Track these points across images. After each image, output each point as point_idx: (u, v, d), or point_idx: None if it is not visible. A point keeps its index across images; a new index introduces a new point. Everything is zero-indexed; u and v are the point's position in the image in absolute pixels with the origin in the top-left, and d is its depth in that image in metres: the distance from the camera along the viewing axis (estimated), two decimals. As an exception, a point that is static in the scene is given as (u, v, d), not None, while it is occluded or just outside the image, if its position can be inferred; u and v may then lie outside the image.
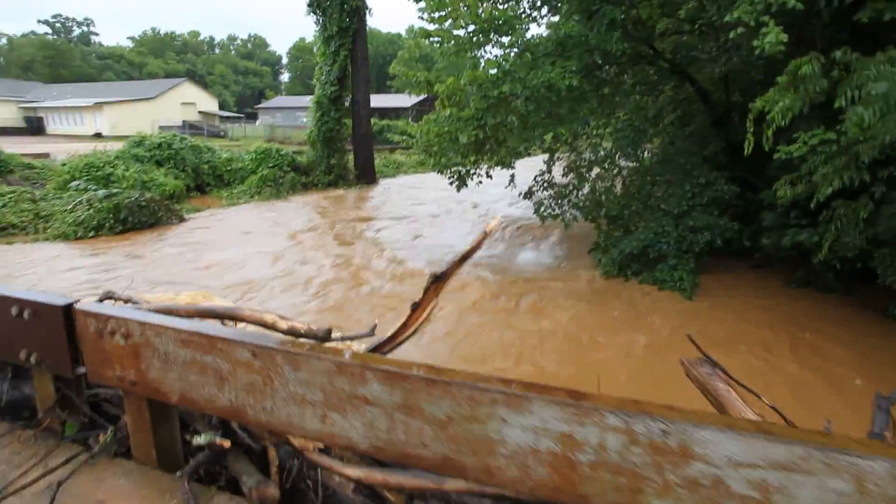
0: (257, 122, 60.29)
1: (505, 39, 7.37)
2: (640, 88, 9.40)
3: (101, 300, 3.64)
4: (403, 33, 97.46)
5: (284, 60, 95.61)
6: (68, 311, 1.98)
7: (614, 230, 9.07)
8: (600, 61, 7.81)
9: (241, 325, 3.09)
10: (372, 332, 3.27)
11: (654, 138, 9.52)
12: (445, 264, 3.20)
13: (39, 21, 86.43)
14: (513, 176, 9.84)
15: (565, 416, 1.08)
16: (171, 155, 15.73)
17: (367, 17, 17.98)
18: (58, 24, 77.48)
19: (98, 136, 39.55)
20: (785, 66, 6.75)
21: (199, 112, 52.65)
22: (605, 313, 6.83)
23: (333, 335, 3.24)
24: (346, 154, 18.96)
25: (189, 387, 1.66)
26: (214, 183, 16.51)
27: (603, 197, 9.02)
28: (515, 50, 6.96)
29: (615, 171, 9.31)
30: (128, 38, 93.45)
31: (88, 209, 10.66)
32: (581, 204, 9.10)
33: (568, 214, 9.09)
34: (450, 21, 8.23)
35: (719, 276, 8.14)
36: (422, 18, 8.34)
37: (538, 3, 8.01)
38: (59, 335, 2.00)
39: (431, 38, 7.38)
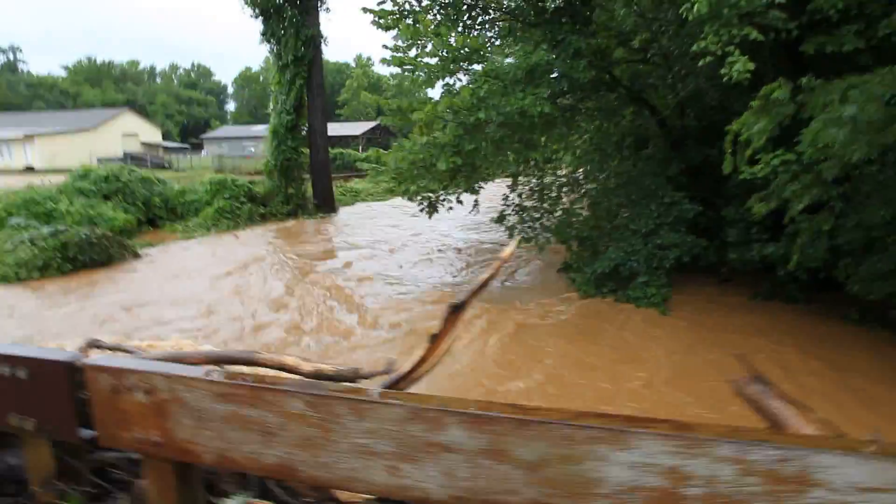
0: (203, 153, 58.58)
1: (476, 67, 7.53)
2: (600, 114, 9.79)
3: (84, 349, 3.33)
4: (351, 62, 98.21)
5: (230, 90, 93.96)
6: (73, 367, 1.78)
7: (584, 251, 9.29)
8: (566, 88, 8.08)
9: (236, 367, 2.89)
10: (389, 370, 3.14)
11: (616, 161, 9.88)
12: (463, 293, 3.14)
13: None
14: (476, 201, 9.98)
15: (672, 449, 1.02)
16: (120, 188, 14.98)
17: (323, 45, 17.96)
18: (-20, 52, 73.34)
19: (29, 169, 37.25)
20: (739, 92, 7.22)
21: (142, 143, 50.66)
22: (595, 335, 6.92)
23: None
24: (303, 183, 18.64)
25: (228, 445, 1.50)
26: (167, 216, 15.80)
27: (573, 219, 9.23)
28: (487, 78, 7.09)
29: (582, 193, 9.57)
30: (61, 66, 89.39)
31: (31, 248, 9.92)
32: (552, 226, 9.27)
33: (541, 237, 9.24)
34: (414, 50, 8.37)
35: (689, 291, 8.42)
36: (386, 47, 8.42)
37: (504, 34, 8.23)
38: (62, 396, 1.78)
39: (404, 66, 7.40)
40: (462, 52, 7.59)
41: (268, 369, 2.81)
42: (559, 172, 10.65)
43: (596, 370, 5.79)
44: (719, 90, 8.78)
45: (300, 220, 17.56)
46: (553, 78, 7.62)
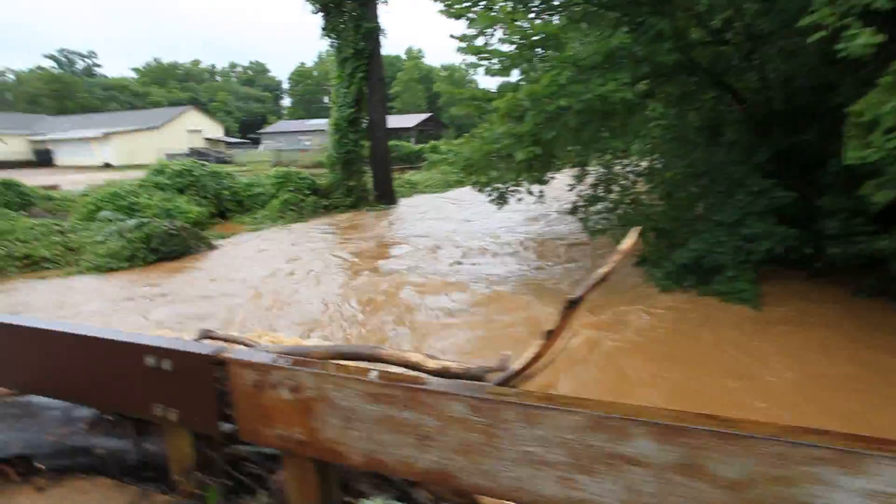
0: (260, 147, 60.56)
1: (553, 53, 7.28)
2: (679, 100, 9.31)
3: (198, 340, 3.40)
4: (402, 55, 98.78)
5: (285, 85, 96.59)
6: (217, 360, 1.75)
7: (661, 243, 8.89)
8: (647, 73, 7.71)
9: (355, 363, 2.85)
10: (504, 367, 3.04)
11: (697, 149, 9.38)
12: (582, 288, 2.99)
13: (45, 55, 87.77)
14: (542, 192, 9.74)
15: None
16: (192, 182, 15.66)
17: (382, 38, 18.05)
18: (62, 58, 78.59)
19: (107, 166, 39.73)
20: (840, 71, 6.66)
21: (205, 139, 53.01)
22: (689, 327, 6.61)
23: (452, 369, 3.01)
24: (364, 175, 18.88)
25: (378, 447, 1.43)
26: (235, 208, 16.40)
27: (648, 210, 8.86)
28: (565, 64, 6.84)
29: (658, 183, 9.16)
30: (131, 68, 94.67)
31: (119, 239, 10.51)
32: (628, 217, 8.93)
33: (616, 230, 8.93)
34: (482, 39, 8.19)
35: (777, 286, 7.91)
36: (454, 37, 8.27)
37: (579, 17, 7.93)
38: (204, 388, 1.76)
39: (480, 55, 7.24)
40: (537, 38, 7.37)
41: (391, 365, 2.77)
42: (626, 161, 10.26)
43: (703, 369, 5.49)
44: (813, 70, 8.17)
45: (362, 211, 17.80)
46: (635, 62, 7.27)
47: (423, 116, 63.27)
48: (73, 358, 1.99)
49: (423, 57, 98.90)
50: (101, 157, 42.54)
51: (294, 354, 2.46)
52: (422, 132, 60.20)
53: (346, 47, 17.54)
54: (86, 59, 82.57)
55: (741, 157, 8.63)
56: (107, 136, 42.92)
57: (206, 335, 3.73)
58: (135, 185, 14.50)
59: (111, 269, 9.99)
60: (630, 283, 8.58)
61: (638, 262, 9.70)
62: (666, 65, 7.27)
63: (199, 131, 52.88)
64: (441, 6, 8.17)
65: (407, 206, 19.08)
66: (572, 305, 2.89)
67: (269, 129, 71.91)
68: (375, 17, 17.77)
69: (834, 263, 7.63)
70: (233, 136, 67.21)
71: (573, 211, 9.40)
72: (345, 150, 17.95)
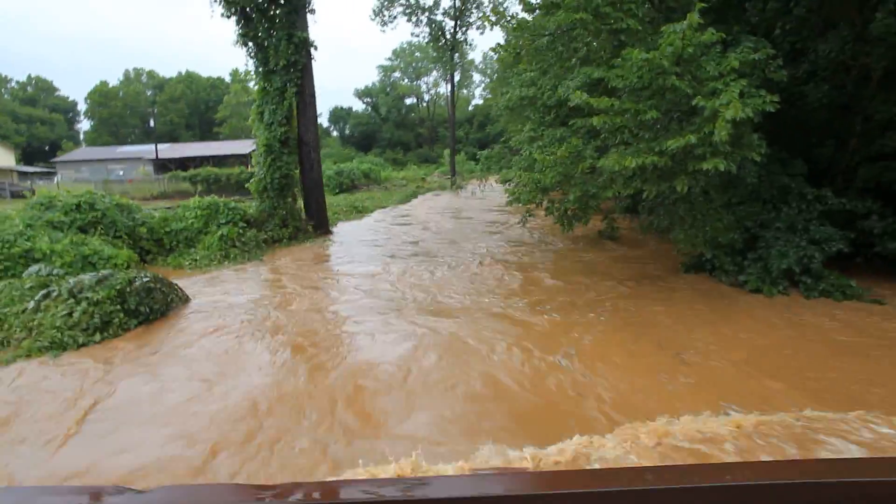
0: (56, 178, 50.24)
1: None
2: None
3: None
4: (226, 77, 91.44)
5: (81, 107, 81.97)
6: None
7: (723, 252, 9.27)
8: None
9: None
10: None
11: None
12: None
13: None
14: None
15: None
16: (98, 217, 12.00)
17: (313, 52, 16.18)
18: None
19: None
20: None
21: (-8, 168, 42.14)
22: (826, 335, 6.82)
23: None
24: (297, 202, 16.58)
25: None
26: (155, 249, 12.97)
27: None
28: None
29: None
30: None
31: (75, 304, 7.36)
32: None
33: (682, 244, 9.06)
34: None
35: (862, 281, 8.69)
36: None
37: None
38: None
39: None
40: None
41: None
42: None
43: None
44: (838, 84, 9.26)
45: (304, 244, 15.54)
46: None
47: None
48: None
49: (250, 80, 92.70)
50: None
51: None
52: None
53: (274, 59, 15.29)
54: None
55: (781, 168, 9.47)
56: None
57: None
58: (19, 226, 10.49)
59: (77, 346, 6.92)
60: (716, 291, 8.76)
61: (687, 269, 10.02)
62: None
63: (-22, 159, 41.77)
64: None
65: (347, 235, 17.25)
66: None
67: (66, 157, 60.29)
68: (306, 26, 15.90)
69: (887, 257, 8.75)
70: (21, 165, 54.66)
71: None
72: (280, 173, 15.53)
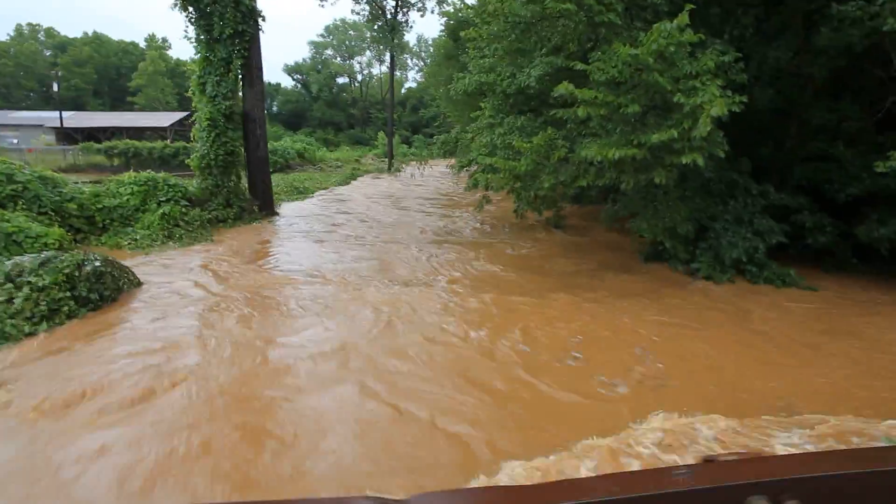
0: None
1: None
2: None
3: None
4: (140, 42, 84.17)
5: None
6: None
7: (676, 241, 9.89)
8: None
9: None
10: None
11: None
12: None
13: None
14: None
15: None
16: (18, 191, 10.73)
17: (261, 22, 15.25)
18: None
19: None
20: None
21: None
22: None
23: None
24: (241, 181, 15.70)
25: None
26: (86, 227, 11.81)
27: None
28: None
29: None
30: None
31: (16, 290, 6.57)
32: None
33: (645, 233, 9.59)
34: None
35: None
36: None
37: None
38: None
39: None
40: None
41: None
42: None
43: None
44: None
45: (250, 224, 14.80)
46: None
47: (179, 115, 55.51)
48: None
49: (168, 48, 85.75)
50: None
51: None
52: (178, 133, 52.73)
53: (219, 27, 14.26)
54: None
55: (730, 165, 10.20)
56: None
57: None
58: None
59: (28, 335, 6.23)
60: (672, 278, 9.35)
61: (646, 258, 10.61)
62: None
63: None
64: None
65: (292, 217, 16.62)
66: None
67: (-58, 120, 53.06)
68: (253, -6, 14.94)
69: (817, 249, 9.71)
70: None
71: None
72: (224, 150, 14.60)
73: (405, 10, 38.65)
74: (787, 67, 9.42)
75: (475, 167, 13.56)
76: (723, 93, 7.03)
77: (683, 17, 6.42)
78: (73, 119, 49.73)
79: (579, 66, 7.46)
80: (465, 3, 19.46)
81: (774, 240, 9.25)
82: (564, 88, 7.09)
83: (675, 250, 9.78)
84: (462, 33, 12.67)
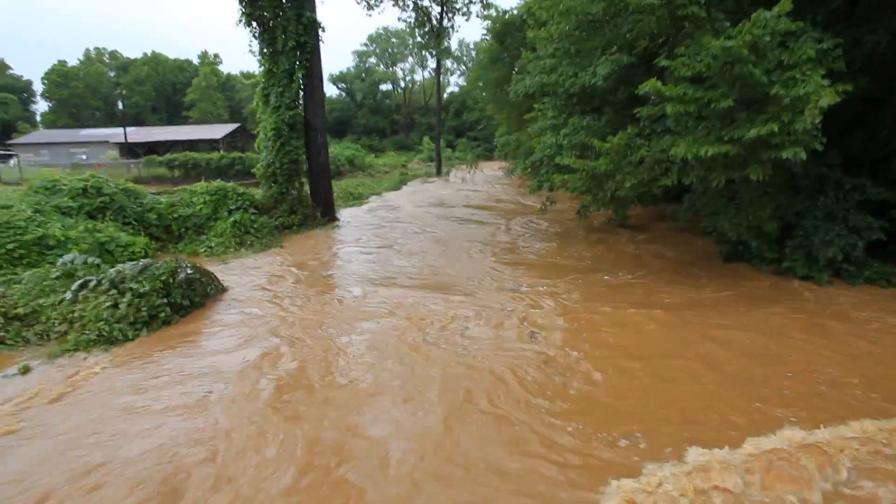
0: (11, 162, 47.55)
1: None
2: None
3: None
4: (194, 60, 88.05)
5: (38, 87, 77.43)
6: None
7: (763, 241, 9.41)
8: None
9: None
10: None
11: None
12: None
13: None
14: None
15: None
16: (106, 203, 11.34)
17: (321, 33, 15.61)
18: None
19: None
20: None
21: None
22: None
23: None
24: (303, 187, 16.08)
25: None
26: (163, 236, 12.35)
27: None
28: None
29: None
30: None
31: (118, 296, 6.90)
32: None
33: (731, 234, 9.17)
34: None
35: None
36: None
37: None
38: None
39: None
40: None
41: None
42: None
43: None
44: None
45: (314, 230, 15.11)
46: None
47: (231, 127, 57.77)
48: None
49: (220, 63, 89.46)
50: None
51: None
52: (230, 144, 54.81)
53: (282, 40, 14.67)
54: None
55: (816, 158, 9.63)
56: None
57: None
58: (27, 212, 9.77)
59: (129, 339, 6.52)
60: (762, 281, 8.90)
61: (726, 257, 10.16)
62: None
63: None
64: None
65: (352, 220, 16.89)
66: None
67: (23, 139, 57.07)
68: (314, 6, 15.31)
69: (920, 246, 9.02)
70: (-25, 147, 51.44)
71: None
72: (288, 158, 15.00)
73: (450, 14, 38.78)
74: (884, 52, 8.80)
75: (537, 168, 13.38)
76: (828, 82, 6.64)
77: (786, 4, 6.08)
78: (135, 134, 52.53)
79: (663, 62, 7.20)
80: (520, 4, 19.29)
81: (873, 237, 8.66)
82: (651, 86, 6.86)
83: (759, 249, 9.30)
84: (529, 33, 12.53)
